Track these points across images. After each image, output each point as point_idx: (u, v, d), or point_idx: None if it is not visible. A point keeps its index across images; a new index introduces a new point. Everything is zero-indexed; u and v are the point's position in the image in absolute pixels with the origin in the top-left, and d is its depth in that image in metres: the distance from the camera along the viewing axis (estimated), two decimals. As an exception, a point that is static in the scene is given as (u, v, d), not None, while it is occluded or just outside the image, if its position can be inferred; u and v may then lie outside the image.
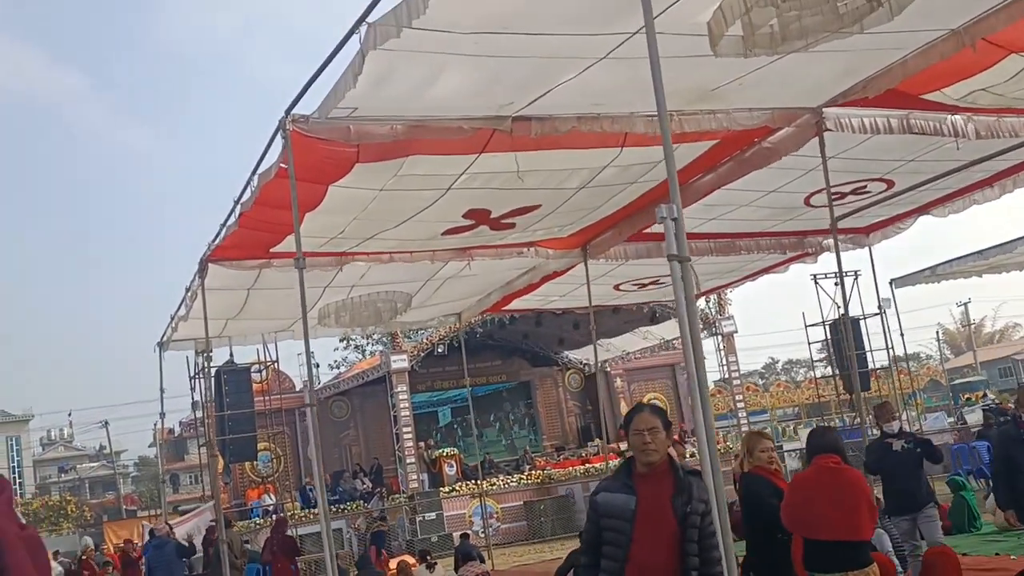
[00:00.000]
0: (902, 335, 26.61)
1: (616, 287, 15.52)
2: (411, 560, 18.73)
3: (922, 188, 11.77)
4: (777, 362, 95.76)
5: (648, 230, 12.08)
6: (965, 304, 61.71)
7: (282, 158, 7.88)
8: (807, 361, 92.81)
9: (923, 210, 13.33)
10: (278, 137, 7.90)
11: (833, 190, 11.76)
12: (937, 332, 71.60)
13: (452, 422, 31.56)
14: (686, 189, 10.70)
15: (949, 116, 9.46)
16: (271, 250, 10.64)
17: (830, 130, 9.02)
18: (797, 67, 7.72)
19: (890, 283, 20.76)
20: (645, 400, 31.34)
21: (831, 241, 14.29)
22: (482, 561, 13.76)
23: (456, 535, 23.80)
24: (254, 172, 8.56)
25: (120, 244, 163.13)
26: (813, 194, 11.69)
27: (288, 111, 7.42)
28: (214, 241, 10.37)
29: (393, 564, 15.52)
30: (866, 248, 14.74)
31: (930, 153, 10.77)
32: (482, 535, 19.69)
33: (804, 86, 8.42)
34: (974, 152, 10.59)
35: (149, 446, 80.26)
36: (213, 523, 17.49)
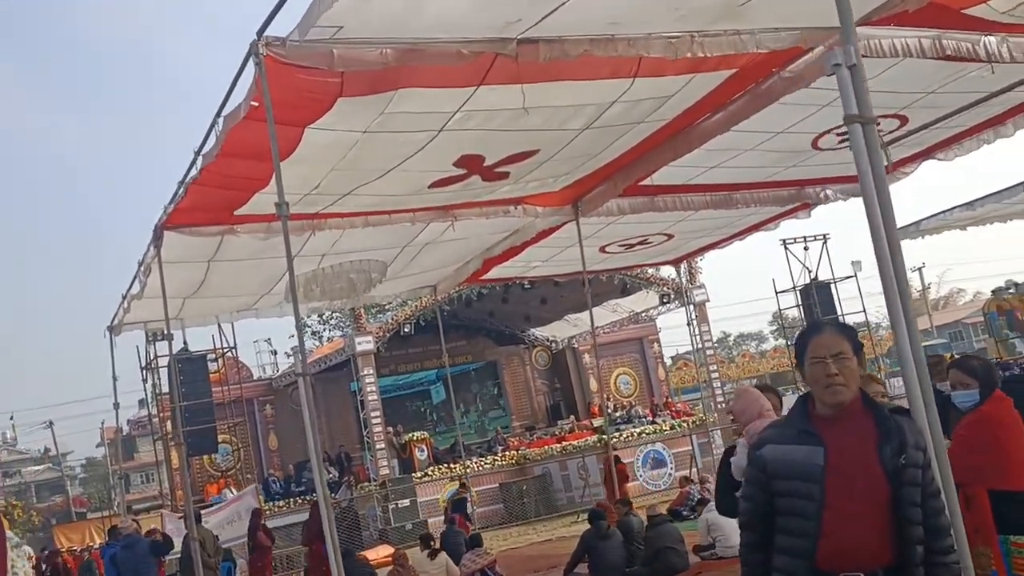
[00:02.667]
0: (862, 301, 26.19)
1: (602, 249, 14.61)
2: (388, 550, 17.74)
3: (936, 126, 11.00)
4: (729, 336, 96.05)
5: (644, 182, 11.19)
6: (919, 269, 61.88)
7: (253, 93, 6.78)
8: (758, 334, 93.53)
9: (929, 153, 12.57)
10: (247, 70, 6.83)
11: (841, 129, 11.04)
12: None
13: (422, 405, 30.58)
14: (692, 131, 9.87)
15: (983, 37, 8.65)
16: (236, 212, 9.53)
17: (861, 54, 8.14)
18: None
19: (874, 240, 20.11)
20: (613, 376, 30.64)
21: (829, 191, 13.60)
22: (480, 546, 12.78)
23: (432, 521, 22.86)
24: (218, 114, 7.43)
25: (56, 234, 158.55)
26: (823, 135, 10.86)
27: (260, 33, 6.33)
28: (170, 204, 9.20)
29: (377, 554, 14.54)
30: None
31: (950, 84, 9.99)
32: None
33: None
34: (998, 82, 9.86)
35: (97, 446, 78.12)
36: (256, 510, 16.54)
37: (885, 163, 3.08)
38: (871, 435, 2.90)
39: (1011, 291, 30.43)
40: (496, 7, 6.37)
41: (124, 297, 12.26)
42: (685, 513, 14.82)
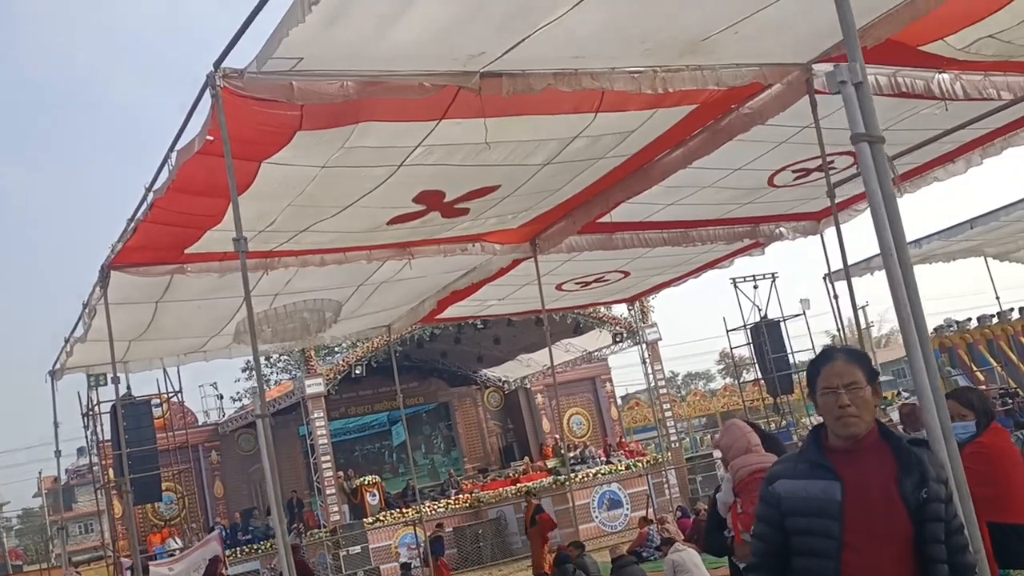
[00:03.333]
0: (811, 339, 26.43)
1: (559, 287, 14.50)
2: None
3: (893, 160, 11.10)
4: (677, 375, 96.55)
5: (602, 219, 11.14)
6: (863, 308, 62.85)
7: (209, 127, 6.57)
8: (706, 373, 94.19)
9: (881, 190, 12.69)
10: (203, 103, 6.62)
11: (797, 166, 11.12)
12: (834, 336, 72.97)
13: (373, 448, 30.07)
14: (651, 168, 9.85)
15: (937, 74, 8.76)
16: (186, 251, 9.25)
17: (820, 91, 8.18)
18: (795, 13, 6.89)
19: (824, 278, 20.25)
20: (567, 416, 30.48)
21: (783, 229, 13.68)
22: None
23: (385, 568, 22.38)
24: (171, 148, 7.20)
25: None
26: (779, 171, 10.91)
27: (217, 64, 6.14)
28: (119, 242, 8.89)
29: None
30: (818, 236, 14.01)
31: (904, 120, 10.11)
32: (417, 566, 18.27)
33: (798, 36, 7.57)
34: (951, 120, 10.00)
35: (34, 496, 75.68)
36: (215, 557, 16.12)
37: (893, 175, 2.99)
38: (890, 468, 2.74)
39: (952, 328, 30.91)
40: (459, 39, 6.26)
41: (67, 340, 11.83)
42: (646, 554, 14.63)
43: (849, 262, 15.11)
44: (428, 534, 19.80)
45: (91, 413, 19.84)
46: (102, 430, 20.21)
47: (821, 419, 2.82)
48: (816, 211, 13.30)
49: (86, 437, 20.03)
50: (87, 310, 10.49)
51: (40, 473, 63.71)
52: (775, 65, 7.94)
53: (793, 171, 11.06)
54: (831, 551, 2.65)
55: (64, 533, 25.00)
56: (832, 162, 11.10)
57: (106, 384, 18.62)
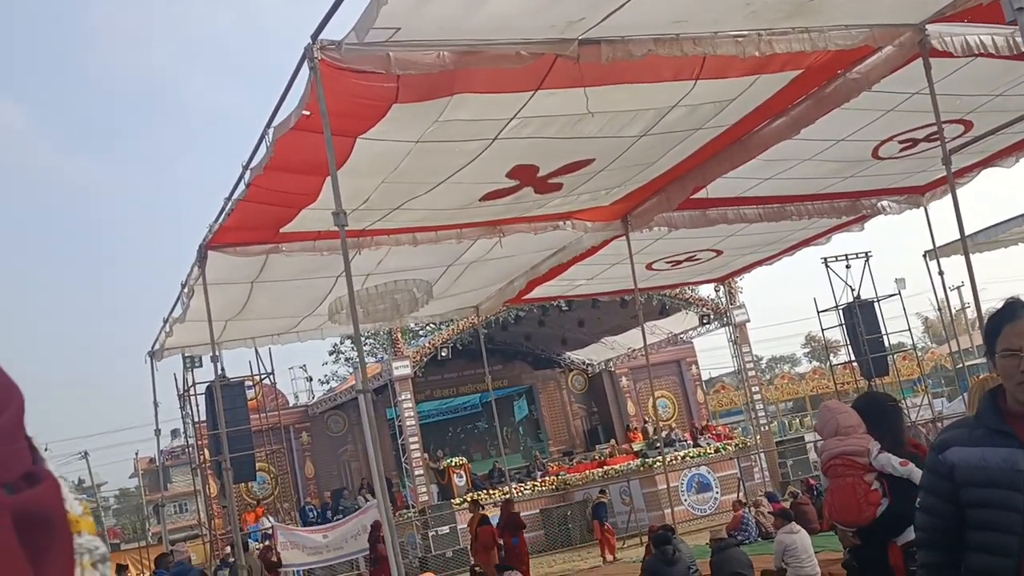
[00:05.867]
0: (906, 319, 25.60)
1: (649, 266, 14.25)
2: (431, 577, 17.38)
3: (1001, 131, 10.58)
4: (761, 359, 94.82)
5: (696, 195, 10.85)
6: (958, 288, 60.76)
7: (306, 102, 6.54)
8: (791, 357, 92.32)
9: (990, 161, 12.14)
10: (300, 77, 6.58)
11: (904, 136, 10.67)
12: (925, 319, 70.84)
13: (459, 430, 30.22)
14: (750, 139, 9.56)
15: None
16: (281, 230, 9.29)
17: (935, 53, 7.79)
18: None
19: (925, 255, 19.53)
20: (652, 399, 30.16)
21: (886, 203, 13.17)
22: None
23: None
24: (268, 125, 7.19)
25: (87, 264, 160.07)
26: (885, 142, 10.49)
27: (315, 36, 6.08)
28: (216, 222, 8.97)
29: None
30: (921, 209, 13.47)
31: (1019, 86, 9.63)
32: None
33: (911, -5, 7.23)
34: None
35: (130, 477, 78.21)
36: (377, 522, 16.62)
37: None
38: None
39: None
40: (557, 6, 6.09)
41: (165, 321, 12.05)
42: (741, 537, 14.35)
43: (954, 237, 14.47)
44: (594, 500, 20.08)
45: (187, 394, 20.24)
46: (197, 411, 20.59)
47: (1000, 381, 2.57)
48: (921, 184, 12.79)
49: (182, 418, 20.46)
50: (185, 290, 10.64)
51: (136, 454, 65.75)
52: (886, 26, 7.58)
53: (900, 141, 10.62)
54: (1015, 525, 2.41)
55: (160, 512, 25.67)
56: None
57: (201, 366, 18.96)
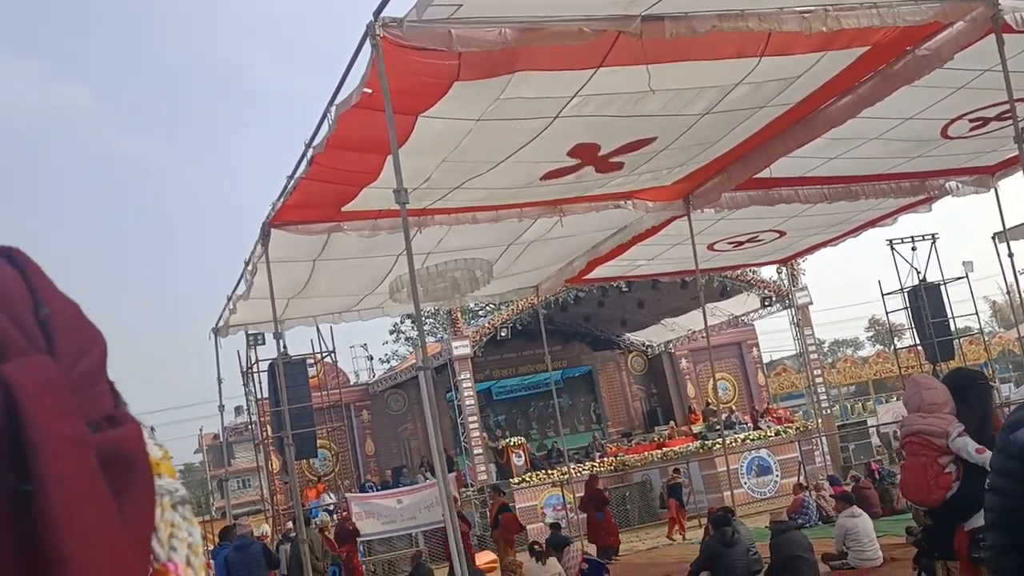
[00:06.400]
0: (974, 303, 25.01)
1: (711, 247, 14.11)
2: (490, 556, 17.51)
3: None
4: (823, 342, 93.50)
5: (760, 174, 10.71)
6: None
7: (367, 79, 6.58)
8: (854, 340, 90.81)
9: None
10: (362, 56, 6.63)
11: (975, 114, 10.39)
12: (993, 303, 69.11)
13: (520, 410, 30.31)
14: (815, 117, 9.38)
15: None
16: (343, 209, 9.37)
17: (1009, 29, 7.56)
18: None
19: (993, 237, 19.05)
20: (711, 381, 29.93)
21: (954, 183, 12.86)
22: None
23: (531, 527, 22.54)
24: (330, 103, 7.26)
25: (141, 242, 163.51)
26: (955, 120, 10.23)
27: (377, 13, 6.11)
28: (279, 199, 9.09)
29: (480, 560, 14.34)
30: (991, 190, 13.13)
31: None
32: (564, 526, 18.29)
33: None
34: None
35: (194, 452, 79.90)
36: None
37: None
38: None
39: None
40: (621, -20, 6.05)
41: (229, 298, 12.26)
42: (800, 521, 14.19)
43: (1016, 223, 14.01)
44: (667, 480, 20.28)
45: (250, 371, 20.59)
46: (260, 388, 20.95)
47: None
48: (991, 164, 12.46)
49: (245, 395, 20.82)
50: (249, 268, 10.81)
51: (201, 430, 67.08)
52: (957, 1, 7.39)
53: (970, 120, 10.35)
54: None
55: (224, 487, 26.23)
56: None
57: (264, 344, 19.25)
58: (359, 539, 17.58)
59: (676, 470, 20.63)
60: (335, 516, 21.35)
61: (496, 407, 30.03)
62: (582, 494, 18.65)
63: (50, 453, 0.51)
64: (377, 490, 26.44)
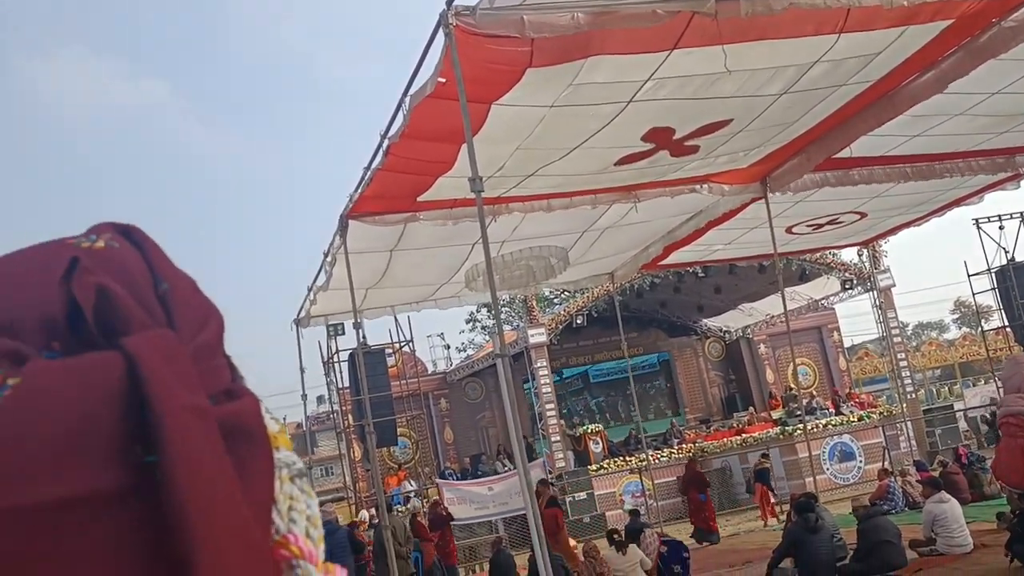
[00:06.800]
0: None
1: (789, 229, 13.87)
2: (573, 543, 17.51)
3: None
4: (907, 325, 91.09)
5: (839, 154, 10.49)
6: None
7: (440, 69, 6.63)
8: (939, 323, 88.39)
9: None
10: (435, 45, 6.67)
11: (1066, 87, 10.02)
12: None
13: (596, 398, 30.28)
14: (897, 95, 9.14)
15: None
16: (418, 199, 9.46)
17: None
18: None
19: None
20: (791, 366, 29.48)
21: (1045, 158, 12.42)
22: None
23: (610, 514, 22.53)
24: (405, 93, 7.32)
25: (230, 238, 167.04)
26: (1044, 93, 9.87)
27: (449, 2, 6.14)
28: (356, 191, 9.22)
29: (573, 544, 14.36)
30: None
31: None
32: (643, 513, 18.24)
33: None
34: None
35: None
36: (543, 480, 17.29)
37: None
38: None
39: None
40: (695, -40, 5.98)
41: (309, 289, 12.48)
42: (886, 507, 13.91)
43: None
44: (755, 465, 20.17)
45: (331, 361, 20.92)
46: (341, 377, 21.28)
47: None
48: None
49: (326, 384, 21.19)
50: (328, 259, 10.99)
51: (284, 419, 68.41)
52: (1047, -32, 7.14)
53: (1061, 91, 9.98)
54: None
55: (310, 475, 26.68)
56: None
57: (343, 334, 19.53)
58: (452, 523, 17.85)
59: (764, 455, 20.39)
60: (423, 502, 21.60)
61: (573, 394, 30.05)
62: (681, 475, 19.05)
63: (176, 424, 0.51)
64: (456, 477, 26.73)
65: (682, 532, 18.16)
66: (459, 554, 19.28)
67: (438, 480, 23.10)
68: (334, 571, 0.61)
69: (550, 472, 24.26)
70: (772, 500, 18.38)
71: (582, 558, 11.18)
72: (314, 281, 12.17)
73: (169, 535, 0.49)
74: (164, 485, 0.50)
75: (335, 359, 20.31)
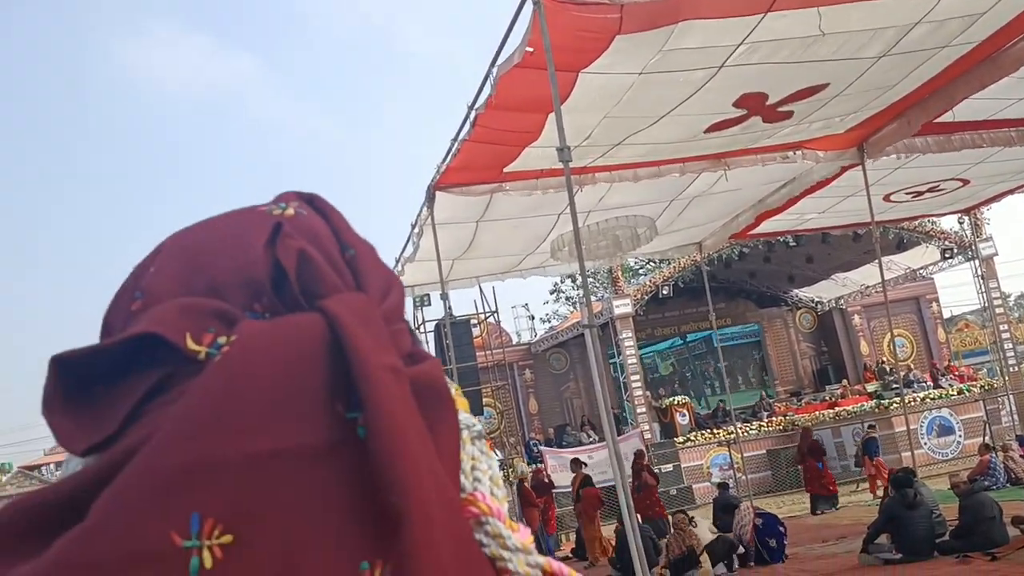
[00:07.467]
0: None
1: (886, 197, 13.42)
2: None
3: None
4: (1009, 295, 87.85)
5: (941, 118, 10.08)
6: None
7: (528, 38, 6.55)
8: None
9: None
10: (523, 14, 6.59)
11: None
12: None
13: (683, 369, 30.00)
14: (1002, 56, 8.73)
15: None
16: (505, 170, 9.41)
17: None
18: None
19: None
20: (887, 338, 28.70)
21: None
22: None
23: (697, 487, 22.38)
24: (493, 63, 7.27)
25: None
26: None
27: (537, -29, 6.05)
28: (443, 162, 9.21)
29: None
30: None
31: None
32: (732, 486, 18.03)
33: None
34: None
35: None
36: (639, 451, 18.06)
37: None
38: None
39: None
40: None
41: (397, 260, 12.57)
42: (988, 483, 13.48)
43: None
44: (863, 436, 19.94)
45: (418, 331, 21.12)
46: (427, 348, 21.45)
47: None
48: None
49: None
50: (415, 230, 11.05)
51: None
52: None
53: None
54: None
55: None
56: None
57: (430, 304, 19.68)
58: (554, 490, 18.09)
59: (871, 426, 19.96)
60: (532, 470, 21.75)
61: (659, 365, 29.82)
62: (797, 444, 19.10)
63: (379, 382, 0.53)
64: (541, 447, 26.85)
65: (772, 506, 17.93)
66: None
67: (542, 447, 23.32)
68: (519, 529, 0.62)
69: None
70: (884, 471, 17.85)
71: (672, 530, 11.08)
72: (401, 252, 12.26)
73: (372, 487, 0.52)
74: (371, 440, 0.53)
75: (421, 329, 20.53)
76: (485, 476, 0.63)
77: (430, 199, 9.91)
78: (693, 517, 12.42)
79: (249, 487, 0.50)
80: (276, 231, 0.59)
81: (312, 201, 0.64)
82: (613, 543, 13.39)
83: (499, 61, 7.11)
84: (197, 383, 0.52)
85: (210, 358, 0.54)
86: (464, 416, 0.64)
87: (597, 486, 16.17)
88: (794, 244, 23.95)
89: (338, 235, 0.62)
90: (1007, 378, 24.70)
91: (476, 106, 7.85)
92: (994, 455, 15.23)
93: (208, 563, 0.48)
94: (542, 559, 0.62)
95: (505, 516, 0.62)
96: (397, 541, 0.52)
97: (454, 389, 0.64)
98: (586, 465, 17.59)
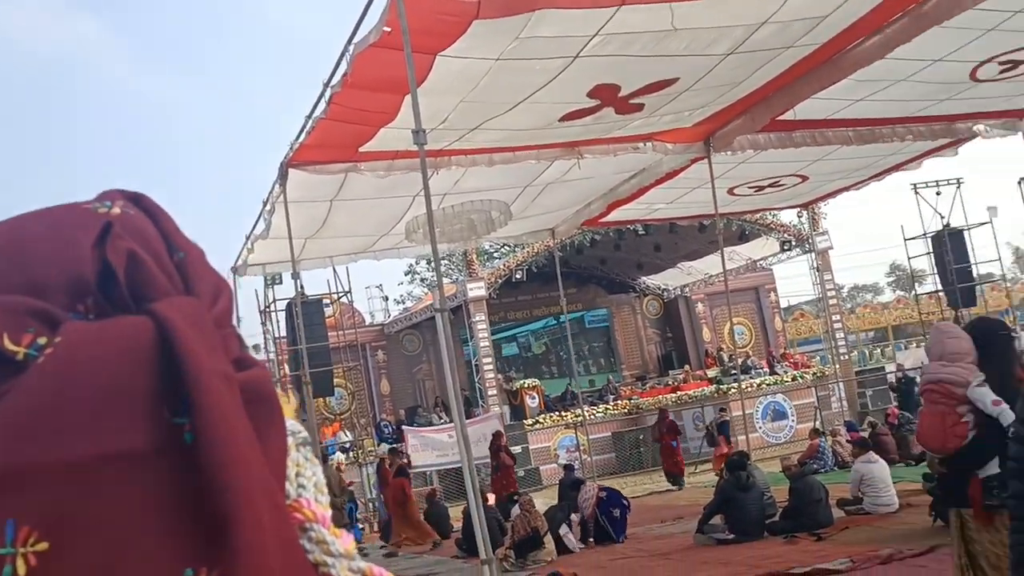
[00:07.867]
0: (997, 249, 24.70)
1: (731, 191, 13.95)
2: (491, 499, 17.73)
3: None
4: (842, 287, 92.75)
5: (783, 116, 10.54)
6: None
7: (386, 18, 6.46)
8: (874, 286, 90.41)
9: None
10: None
11: (1005, 57, 10.15)
12: (1016, 248, 68.52)
13: (531, 352, 30.39)
14: (842, 58, 9.18)
15: None
16: (360, 149, 9.29)
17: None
18: None
19: (1019, 182, 18.80)
20: (728, 326, 29.88)
21: (981, 127, 12.64)
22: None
23: (544, 468, 22.75)
24: (349, 41, 7.14)
25: (165, 184, 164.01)
26: (983, 64, 10.00)
27: (396, -52, 5.97)
28: (297, 140, 9.01)
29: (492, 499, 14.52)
30: (1019, 134, 12.89)
31: None
32: (577, 468, 18.43)
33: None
34: None
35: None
36: (498, 432, 18.24)
37: None
38: None
39: None
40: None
41: (247, 237, 12.25)
42: (816, 466, 14.24)
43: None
44: (716, 418, 20.66)
45: (268, 311, 20.64)
46: (278, 327, 21.02)
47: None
48: (1020, 108, 12.21)
49: (263, 334, 20.91)
50: (267, 207, 10.78)
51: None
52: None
53: (1000, 63, 10.12)
54: None
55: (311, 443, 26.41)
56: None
57: (281, 283, 19.23)
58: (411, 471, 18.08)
59: (722, 409, 20.77)
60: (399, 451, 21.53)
61: (510, 349, 30.14)
62: (654, 424, 20.18)
63: (209, 388, 0.52)
64: (392, 429, 26.72)
65: (615, 487, 18.43)
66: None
67: (403, 426, 23.15)
68: (341, 535, 0.61)
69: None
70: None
71: (519, 510, 11.24)
72: (252, 229, 11.94)
73: (198, 494, 0.51)
74: (200, 446, 0.52)
75: (272, 308, 20.06)
76: (310, 483, 0.63)
77: (283, 176, 9.69)
78: (532, 498, 12.64)
79: (68, 493, 0.49)
80: (106, 231, 0.57)
81: (138, 201, 0.62)
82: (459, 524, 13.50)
83: (356, 39, 7.00)
84: (17, 385, 0.51)
85: (30, 359, 0.52)
86: (290, 423, 0.64)
87: (437, 470, 16.30)
88: (643, 233, 24.56)
89: (167, 237, 0.60)
90: (838, 366, 26.12)
91: (332, 84, 7.70)
92: (823, 439, 16.08)
93: (22, 571, 0.48)
94: (364, 564, 0.62)
95: (329, 522, 0.62)
96: (225, 547, 0.52)
97: (281, 395, 0.63)
98: (403, 455, 17.76)
